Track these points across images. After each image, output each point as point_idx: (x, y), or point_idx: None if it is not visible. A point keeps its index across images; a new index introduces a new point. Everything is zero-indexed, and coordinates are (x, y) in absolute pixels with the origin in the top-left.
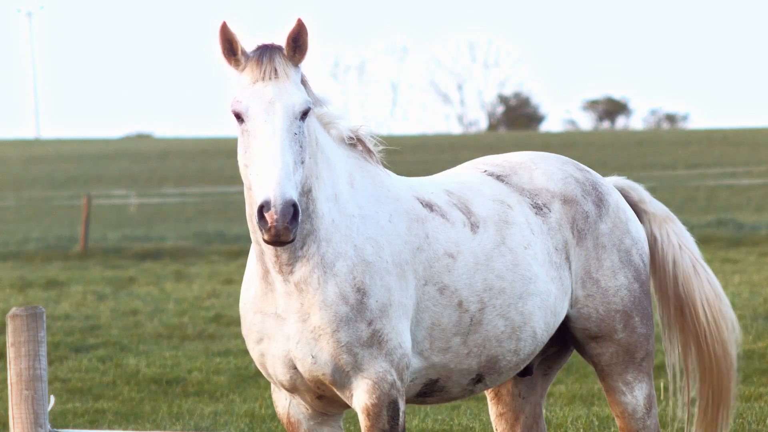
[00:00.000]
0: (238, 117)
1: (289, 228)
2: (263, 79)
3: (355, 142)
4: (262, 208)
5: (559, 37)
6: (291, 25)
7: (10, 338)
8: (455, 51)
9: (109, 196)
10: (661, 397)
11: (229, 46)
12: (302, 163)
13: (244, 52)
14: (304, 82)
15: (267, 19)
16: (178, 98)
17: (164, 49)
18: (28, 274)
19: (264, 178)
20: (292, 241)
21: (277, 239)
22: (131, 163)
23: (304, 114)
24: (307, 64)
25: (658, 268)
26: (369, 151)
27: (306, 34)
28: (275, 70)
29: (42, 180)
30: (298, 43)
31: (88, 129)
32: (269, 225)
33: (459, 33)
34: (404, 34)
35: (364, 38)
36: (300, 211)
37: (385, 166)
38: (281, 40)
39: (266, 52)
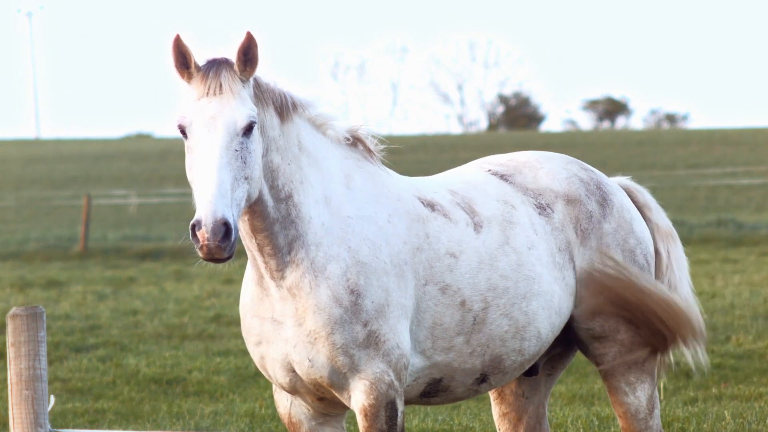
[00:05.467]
0: (183, 133)
1: (221, 246)
2: (207, 94)
3: (354, 142)
4: (194, 227)
5: (559, 37)
6: (241, 39)
7: (10, 338)
8: (455, 51)
9: (109, 196)
10: (662, 398)
11: (183, 60)
12: (246, 179)
13: (196, 66)
14: (263, 90)
15: (266, 21)
16: (178, 98)
17: (164, 49)
18: (28, 274)
19: (199, 197)
20: (228, 258)
21: (211, 257)
22: (131, 163)
23: (248, 129)
24: (305, 67)
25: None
26: (369, 150)
27: (256, 47)
28: (220, 85)
29: (42, 180)
30: (248, 56)
31: (88, 129)
32: (201, 243)
33: (459, 33)
34: (404, 34)
35: (364, 38)
36: (234, 230)
37: (387, 166)
38: (231, 54)
39: (213, 66)
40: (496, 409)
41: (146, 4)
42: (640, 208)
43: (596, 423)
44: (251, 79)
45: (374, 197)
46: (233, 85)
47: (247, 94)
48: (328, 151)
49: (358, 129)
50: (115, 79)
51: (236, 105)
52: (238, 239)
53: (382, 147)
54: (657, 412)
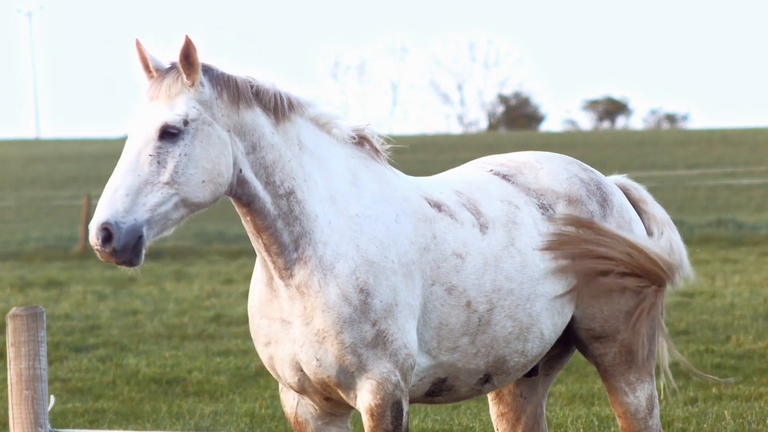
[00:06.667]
0: None
1: (105, 250)
2: (148, 99)
3: (360, 142)
4: None
5: (559, 37)
6: (180, 43)
7: (10, 338)
8: (455, 51)
9: None
10: (662, 397)
11: (145, 63)
12: (167, 183)
13: (156, 69)
14: (241, 92)
15: (266, 21)
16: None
17: (163, 49)
18: (28, 274)
19: None
20: (126, 262)
21: (105, 260)
22: None
23: (165, 133)
24: (305, 67)
25: None
26: (376, 150)
27: (194, 51)
28: (159, 90)
29: (42, 180)
30: (189, 60)
31: (88, 129)
32: (94, 248)
33: (459, 33)
34: (404, 34)
35: (364, 38)
36: (119, 234)
37: (393, 165)
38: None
39: (163, 71)
40: (494, 410)
41: (146, 4)
42: (635, 204)
43: (596, 423)
44: (205, 83)
45: (381, 197)
46: (171, 89)
47: (191, 98)
48: (331, 150)
49: (364, 128)
50: (115, 79)
51: (161, 109)
52: (139, 245)
53: (387, 146)
54: (656, 411)
